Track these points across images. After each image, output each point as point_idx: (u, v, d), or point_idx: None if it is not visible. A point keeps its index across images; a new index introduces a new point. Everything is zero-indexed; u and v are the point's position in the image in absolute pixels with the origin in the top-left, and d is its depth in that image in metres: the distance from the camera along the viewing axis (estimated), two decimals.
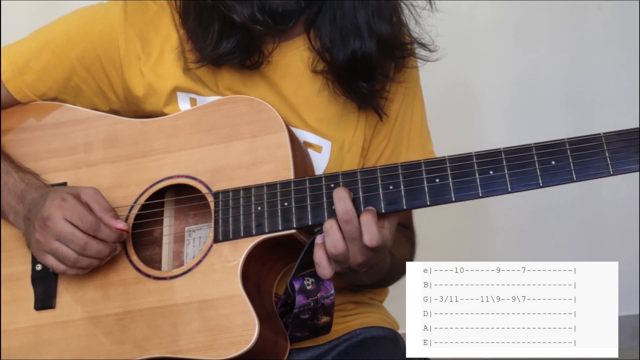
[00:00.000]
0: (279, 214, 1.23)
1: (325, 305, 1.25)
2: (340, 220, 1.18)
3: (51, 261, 1.26)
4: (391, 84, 1.41)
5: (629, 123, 1.16)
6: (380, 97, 1.40)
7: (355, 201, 1.19)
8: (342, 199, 1.18)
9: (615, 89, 2.63)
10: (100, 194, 1.29)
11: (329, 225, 1.19)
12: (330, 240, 1.18)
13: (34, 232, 1.27)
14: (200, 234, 1.36)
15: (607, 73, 2.64)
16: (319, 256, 1.19)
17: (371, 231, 1.17)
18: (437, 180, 1.18)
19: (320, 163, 1.38)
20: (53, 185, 1.37)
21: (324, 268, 1.20)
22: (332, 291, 1.25)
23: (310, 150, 1.38)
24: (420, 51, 1.41)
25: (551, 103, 2.66)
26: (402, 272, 1.43)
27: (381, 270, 1.30)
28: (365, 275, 1.27)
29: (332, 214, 1.20)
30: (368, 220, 1.17)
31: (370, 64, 1.36)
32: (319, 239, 1.20)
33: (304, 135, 1.38)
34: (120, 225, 1.26)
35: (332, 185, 1.22)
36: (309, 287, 1.24)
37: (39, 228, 1.25)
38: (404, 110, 1.46)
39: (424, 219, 1.51)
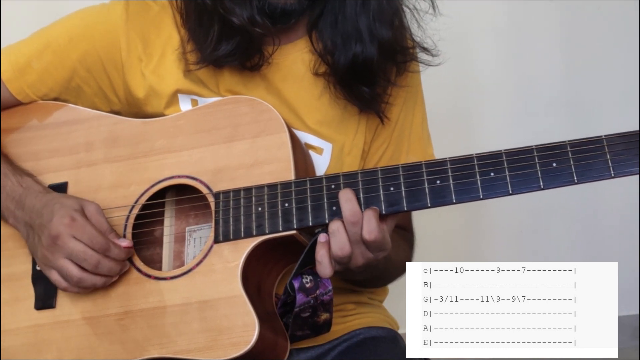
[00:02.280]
0: (280, 215, 1.23)
1: (325, 302, 1.25)
2: (347, 222, 1.18)
3: (55, 276, 1.27)
4: (392, 87, 1.41)
5: (629, 123, 1.16)
6: (381, 101, 1.40)
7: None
8: (349, 200, 1.18)
9: (616, 89, 2.63)
10: (101, 214, 1.29)
11: (336, 226, 1.19)
12: (337, 242, 1.18)
13: (40, 246, 1.27)
14: (201, 234, 1.36)
15: (607, 73, 2.64)
16: (322, 255, 1.19)
17: (371, 225, 1.17)
18: (438, 181, 1.18)
19: (321, 165, 1.38)
20: (53, 186, 1.37)
21: (326, 267, 1.19)
22: (330, 287, 1.25)
23: (311, 152, 1.38)
24: (422, 55, 1.41)
25: (551, 104, 2.66)
26: (397, 273, 1.44)
27: (375, 268, 1.30)
28: (359, 273, 1.27)
29: (334, 214, 1.20)
30: (369, 215, 1.18)
31: (372, 69, 1.36)
32: (322, 238, 1.19)
33: (305, 137, 1.38)
34: (126, 243, 1.27)
35: (332, 187, 1.22)
36: (307, 285, 1.24)
37: (47, 245, 1.26)
38: (404, 114, 1.45)
39: (424, 219, 1.51)
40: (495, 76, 2.65)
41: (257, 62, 1.35)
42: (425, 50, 1.40)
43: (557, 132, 2.43)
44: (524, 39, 2.64)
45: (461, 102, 2.63)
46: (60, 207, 1.27)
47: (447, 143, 1.51)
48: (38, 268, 1.33)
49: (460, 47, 2.44)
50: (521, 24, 2.64)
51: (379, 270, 1.32)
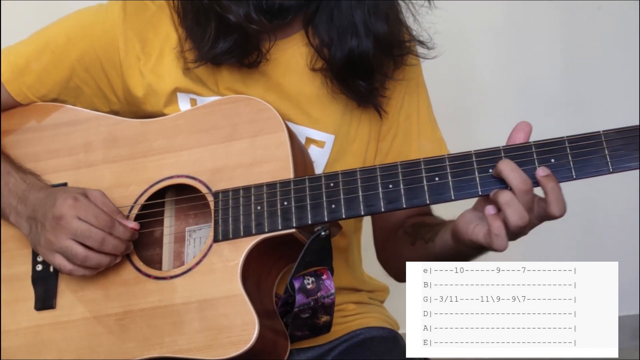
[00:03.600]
0: (279, 214, 1.23)
1: (325, 305, 1.25)
2: (519, 191, 1.12)
3: (59, 260, 1.26)
4: (390, 81, 1.41)
5: (629, 123, 1.16)
6: (378, 94, 1.40)
7: (354, 200, 1.19)
8: (515, 169, 1.13)
9: (615, 88, 2.63)
10: (106, 197, 1.29)
11: (509, 197, 1.12)
12: (514, 212, 1.12)
13: (44, 231, 1.27)
14: (200, 234, 1.36)
15: (607, 73, 2.63)
16: (498, 227, 1.13)
17: (559, 200, 1.12)
18: (437, 178, 1.18)
19: (323, 158, 1.39)
20: (54, 186, 1.37)
21: (503, 239, 1.14)
22: (333, 290, 1.25)
23: (313, 146, 1.38)
24: (418, 49, 1.41)
25: (551, 102, 2.66)
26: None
27: None
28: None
29: (333, 213, 1.20)
30: (555, 190, 1.13)
31: (368, 63, 1.36)
32: (490, 210, 1.14)
33: (306, 131, 1.39)
34: (132, 224, 1.28)
35: (331, 185, 1.22)
36: (309, 287, 1.24)
37: (51, 228, 1.26)
38: (408, 100, 1.45)
39: None
40: (495, 76, 2.65)
41: (255, 59, 1.36)
42: (421, 43, 1.40)
43: (557, 132, 2.41)
44: (524, 38, 2.64)
45: (461, 101, 2.63)
46: (63, 192, 1.28)
47: (447, 142, 1.51)
48: (38, 269, 1.34)
49: (460, 47, 2.44)
50: (521, 24, 2.64)
51: None
